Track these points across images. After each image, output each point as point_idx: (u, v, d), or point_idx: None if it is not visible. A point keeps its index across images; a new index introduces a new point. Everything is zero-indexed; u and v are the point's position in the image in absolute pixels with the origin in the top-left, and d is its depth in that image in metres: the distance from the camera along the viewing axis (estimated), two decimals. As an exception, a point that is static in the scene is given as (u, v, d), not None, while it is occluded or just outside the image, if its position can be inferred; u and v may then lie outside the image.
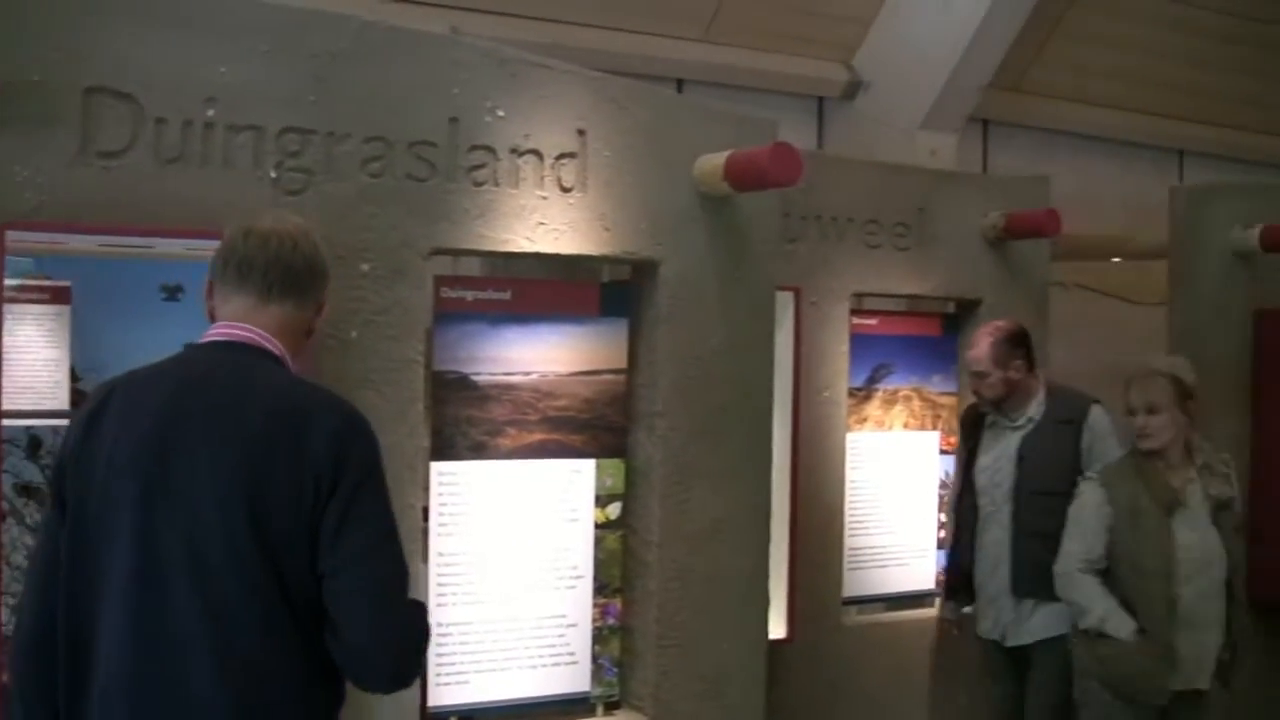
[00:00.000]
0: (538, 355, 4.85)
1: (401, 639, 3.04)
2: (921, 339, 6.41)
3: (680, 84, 7.68)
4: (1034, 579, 5.86)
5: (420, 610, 3.19)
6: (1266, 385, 7.36)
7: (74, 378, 4.03)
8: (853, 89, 8.28)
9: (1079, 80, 9.24)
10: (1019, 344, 6.02)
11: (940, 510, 6.70)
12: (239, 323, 3.16)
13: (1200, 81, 9.75)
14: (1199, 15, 9.11)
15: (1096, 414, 6.10)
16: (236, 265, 3.17)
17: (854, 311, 6.40)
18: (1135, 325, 8.90)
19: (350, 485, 2.97)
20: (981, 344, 6.01)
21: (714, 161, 4.92)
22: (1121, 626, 5.33)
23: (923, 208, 6.52)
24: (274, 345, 3.16)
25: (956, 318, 6.83)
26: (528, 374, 4.83)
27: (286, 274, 3.18)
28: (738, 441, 5.17)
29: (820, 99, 8.40)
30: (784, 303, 5.72)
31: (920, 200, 6.53)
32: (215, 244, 3.25)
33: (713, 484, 5.10)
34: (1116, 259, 8.78)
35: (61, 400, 4.03)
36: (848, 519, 6.41)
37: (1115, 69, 9.32)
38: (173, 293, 4.09)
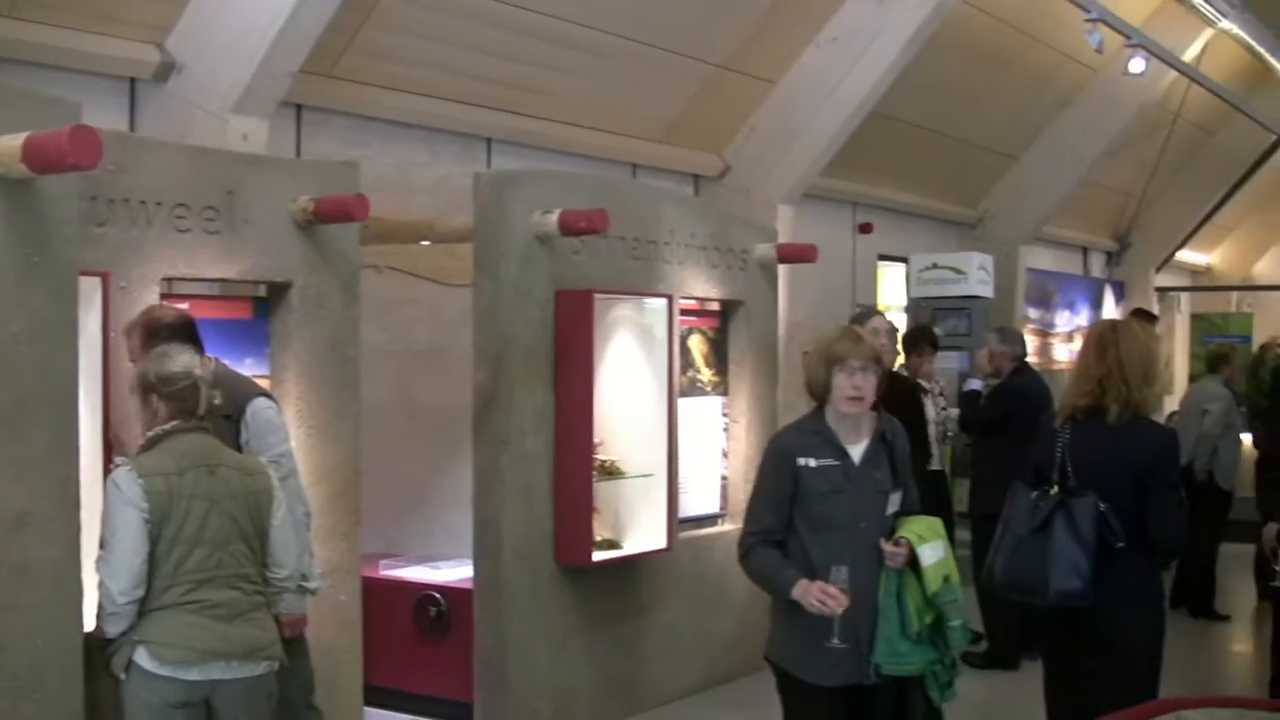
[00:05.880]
0: None
1: None
2: (233, 322, 6.44)
3: (-6, 61, 7.34)
4: None
5: None
6: (566, 361, 7.85)
7: None
8: (165, 71, 8.14)
9: (391, 68, 9.45)
10: (156, 335, 5.58)
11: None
12: None
13: (505, 72, 10.20)
14: (503, 9, 9.52)
15: (255, 408, 5.92)
16: None
17: (165, 296, 6.34)
18: (449, 306, 9.21)
19: None
20: (135, 336, 5.68)
21: (11, 143, 4.80)
22: None
23: (232, 191, 6.52)
24: None
25: (267, 301, 6.89)
26: None
27: None
28: (41, 430, 5.08)
29: (133, 80, 8.22)
30: (92, 288, 5.61)
31: (230, 184, 6.52)
32: None
33: (15, 474, 4.99)
34: (426, 242, 9.07)
35: None
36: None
37: (426, 58, 9.59)
38: None
